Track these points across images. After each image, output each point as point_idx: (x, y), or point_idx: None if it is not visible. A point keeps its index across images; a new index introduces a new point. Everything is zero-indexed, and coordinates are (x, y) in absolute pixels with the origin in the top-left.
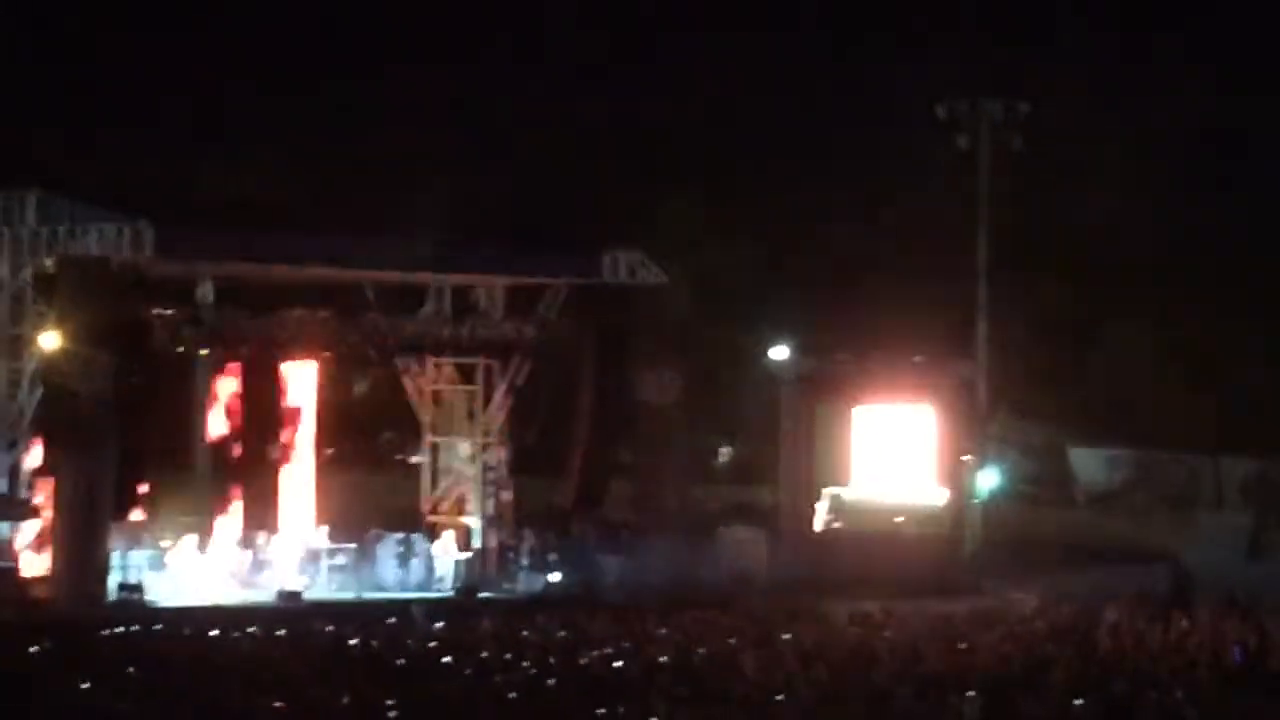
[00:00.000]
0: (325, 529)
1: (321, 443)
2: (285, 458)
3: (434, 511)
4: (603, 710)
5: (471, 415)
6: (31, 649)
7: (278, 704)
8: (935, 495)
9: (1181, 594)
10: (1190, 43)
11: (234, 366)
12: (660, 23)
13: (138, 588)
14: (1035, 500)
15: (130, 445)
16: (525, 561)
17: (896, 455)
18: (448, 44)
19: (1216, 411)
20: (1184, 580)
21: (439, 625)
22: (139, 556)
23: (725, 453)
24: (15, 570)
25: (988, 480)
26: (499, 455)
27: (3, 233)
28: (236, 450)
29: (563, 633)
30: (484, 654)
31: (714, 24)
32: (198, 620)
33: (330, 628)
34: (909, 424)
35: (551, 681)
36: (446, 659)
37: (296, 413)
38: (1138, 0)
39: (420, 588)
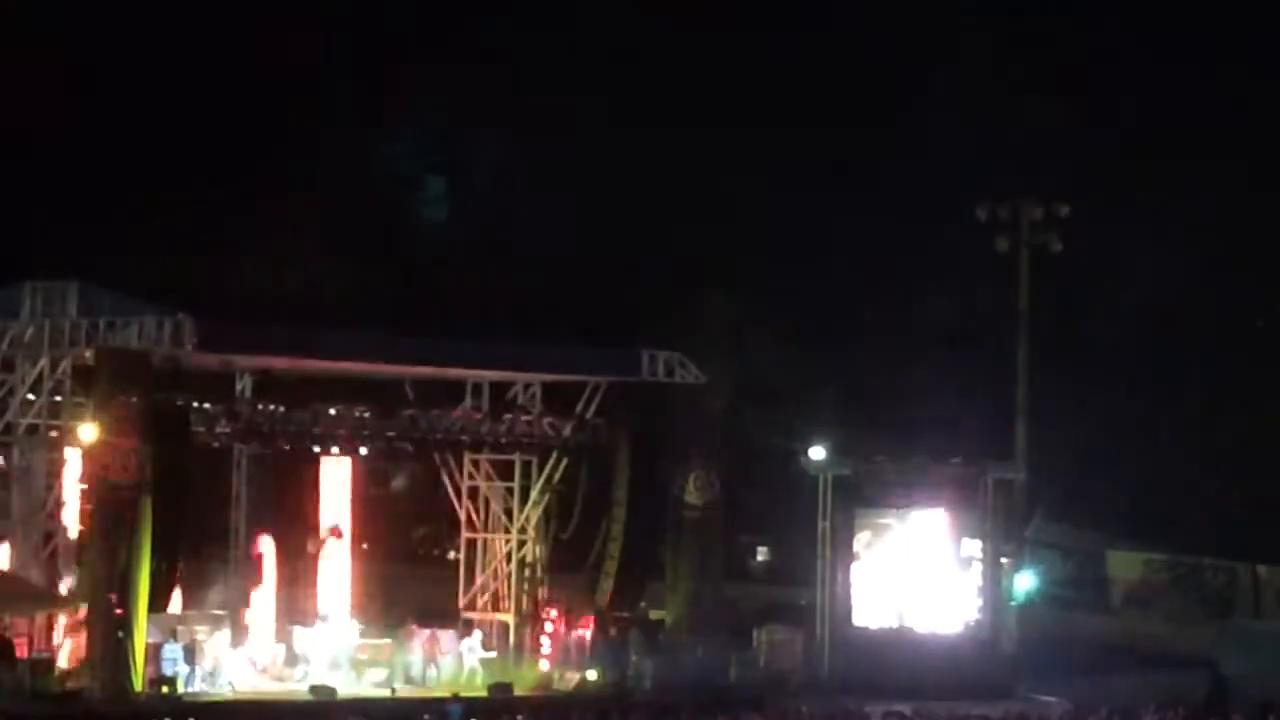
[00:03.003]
0: (361, 624)
1: (358, 537)
2: (321, 552)
3: (470, 607)
4: None
5: (508, 511)
6: None
7: None
8: (971, 597)
9: (1218, 700)
10: (1228, 137)
11: (272, 459)
12: (698, 120)
13: (171, 680)
14: (1071, 603)
15: (166, 537)
16: (560, 659)
17: (933, 556)
18: (488, 142)
19: (1256, 517)
20: (1221, 686)
21: None
22: (173, 649)
23: (762, 552)
24: (51, 662)
25: (1024, 583)
26: (535, 552)
27: (43, 324)
28: (273, 543)
29: None
30: None
31: (754, 123)
32: (231, 714)
33: None
34: (945, 525)
35: None
36: None
37: (333, 507)
38: (1175, 99)
39: (453, 684)
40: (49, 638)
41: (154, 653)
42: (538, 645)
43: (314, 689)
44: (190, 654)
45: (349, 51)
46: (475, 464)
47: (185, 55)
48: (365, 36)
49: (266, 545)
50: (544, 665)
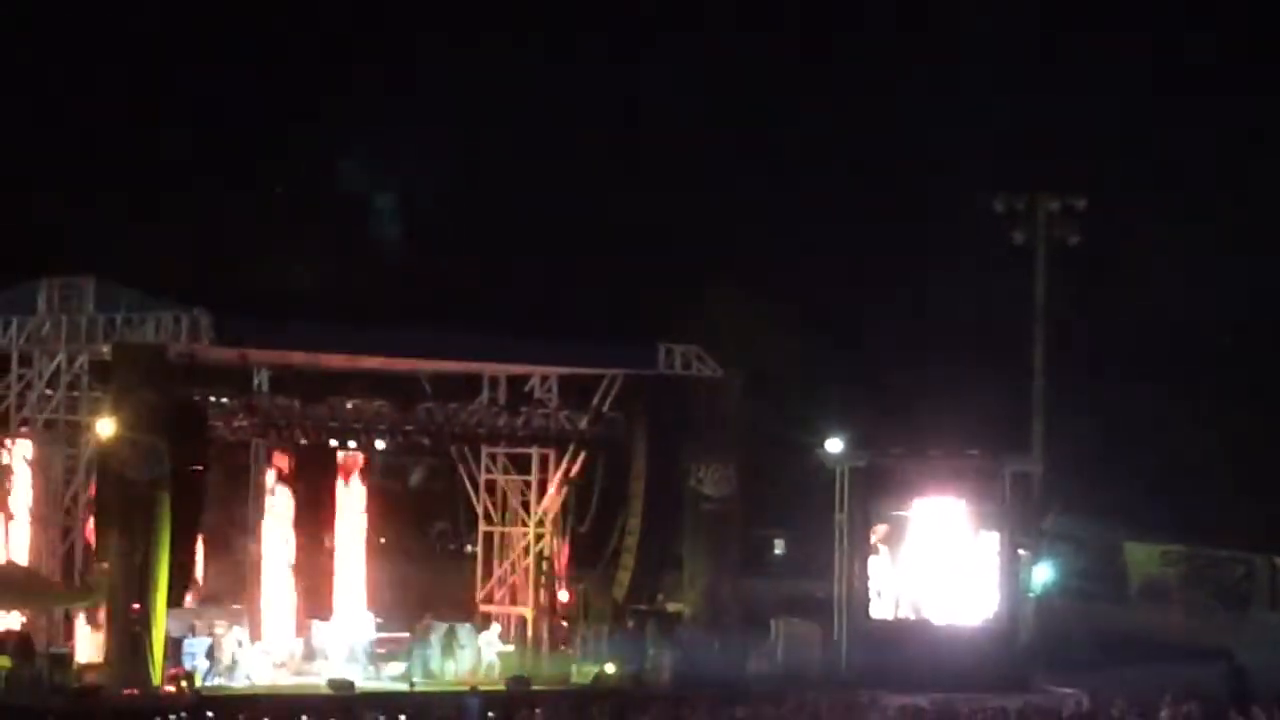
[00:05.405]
0: (378, 618)
1: (375, 531)
2: (338, 546)
3: (488, 601)
4: None
5: (525, 505)
6: None
7: None
8: (988, 590)
9: (1237, 692)
10: (1246, 129)
11: (289, 454)
12: (713, 118)
13: (190, 675)
14: (1089, 595)
15: (183, 532)
16: (578, 653)
17: (950, 549)
18: (504, 135)
19: (1274, 509)
20: (1238, 678)
21: (491, 715)
22: (192, 643)
23: (780, 545)
24: (69, 656)
25: (1041, 575)
26: (552, 545)
27: (60, 319)
28: (291, 537)
29: None
30: None
31: (766, 118)
32: (249, 708)
33: (382, 717)
34: (963, 518)
35: None
36: None
37: (350, 501)
38: (1190, 94)
39: (470, 677)
40: (67, 633)
41: (175, 647)
42: (555, 638)
43: (332, 683)
44: (209, 649)
45: (360, 46)
46: (492, 458)
47: (196, 52)
48: (374, 30)
49: (284, 539)
50: (562, 658)
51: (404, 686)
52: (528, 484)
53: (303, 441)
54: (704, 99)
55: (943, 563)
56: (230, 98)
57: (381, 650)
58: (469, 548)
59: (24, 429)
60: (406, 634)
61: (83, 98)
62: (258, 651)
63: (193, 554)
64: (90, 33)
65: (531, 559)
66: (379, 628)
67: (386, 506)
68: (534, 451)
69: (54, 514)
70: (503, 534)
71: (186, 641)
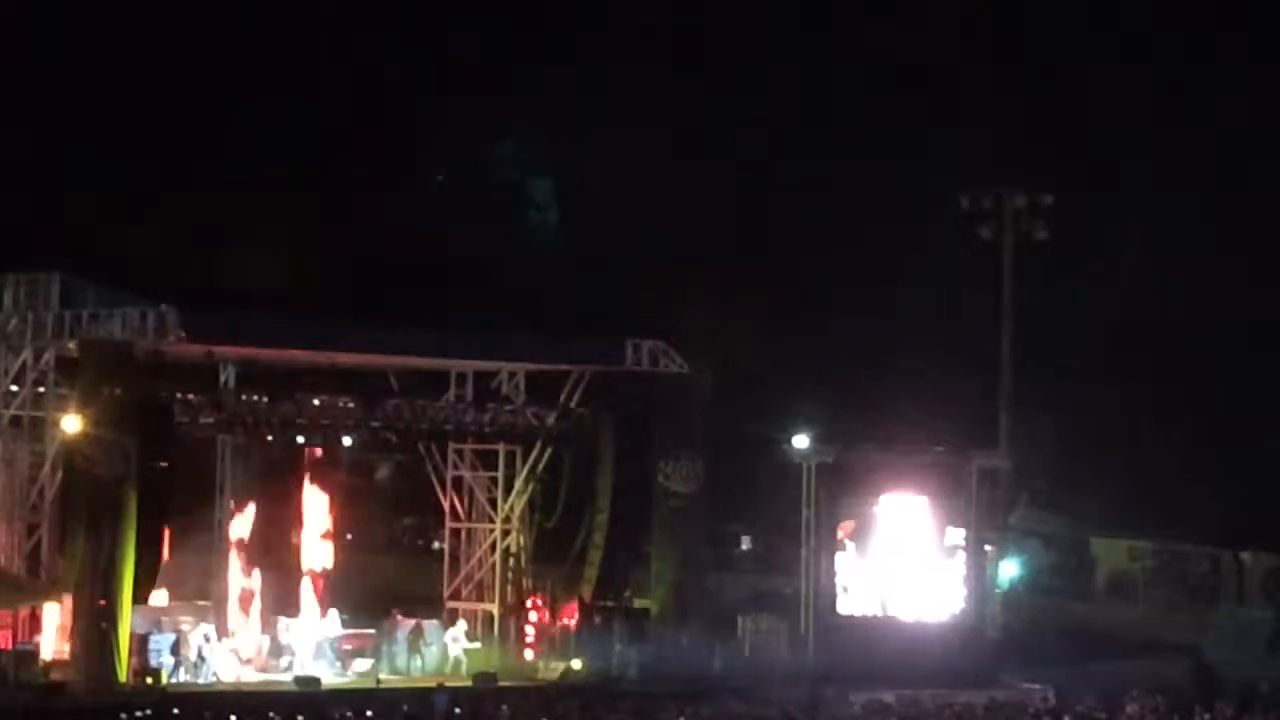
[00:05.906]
0: (345, 614)
1: (342, 527)
2: (305, 542)
3: (454, 597)
4: None
5: (492, 501)
6: None
7: None
8: (955, 585)
9: (1204, 688)
10: (1210, 131)
11: (256, 450)
12: (683, 119)
13: (156, 671)
14: (1055, 591)
15: (150, 528)
16: (545, 649)
17: (917, 544)
18: (473, 134)
19: (1240, 505)
20: (1204, 674)
21: (458, 712)
22: (158, 640)
23: (747, 541)
24: (35, 653)
25: (1008, 570)
26: (519, 541)
27: (26, 316)
28: (258, 534)
29: None
30: None
31: (736, 118)
32: (216, 705)
33: (349, 714)
34: (929, 513)
35: None
36: None
37: (317, 497)
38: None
39: (437, 674)
40: (33, 629)
41: (140, 644)
42: (522, 635)
43: (298, 680)
44: (175, 645)
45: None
46: (459, 454)
47: (169, 46)
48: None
49: (250, 536)
50: (529, 655)
51: (371, 683)
52: (495, 480)
53: (269, 438)
54: (684, 91)
55: (909, 558)
56: (198, 93)
57: (348, 647)
58: (436, 544)
59: None
60: (373, 631)
61: (49, 92)
62: (224, 648)
63: (158, 551)
64: (72, 31)
65: (498, 555)
66: (345, 624)
67: (353, 503)
68: (501, 448)
69: (19, 510)
70: (469, 530)
71: (152, 638)
